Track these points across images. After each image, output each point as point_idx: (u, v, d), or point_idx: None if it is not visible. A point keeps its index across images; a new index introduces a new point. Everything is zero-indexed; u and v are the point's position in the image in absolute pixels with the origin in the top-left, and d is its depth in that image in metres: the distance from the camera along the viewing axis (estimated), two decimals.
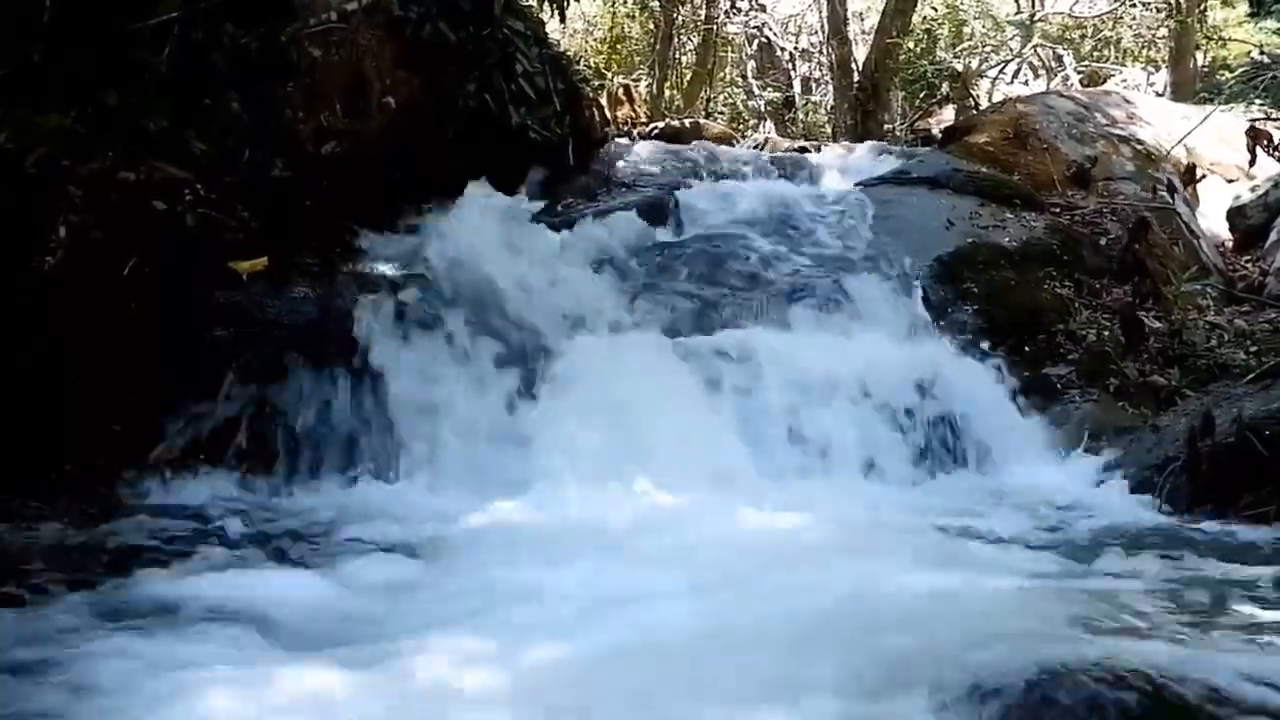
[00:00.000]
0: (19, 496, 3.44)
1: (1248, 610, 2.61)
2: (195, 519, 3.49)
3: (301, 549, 3.26)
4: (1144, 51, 13.83)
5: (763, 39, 14.86)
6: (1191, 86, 11.26)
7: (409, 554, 3.22)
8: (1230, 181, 7.45)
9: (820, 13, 13.87)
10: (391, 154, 5.30)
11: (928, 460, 4.55)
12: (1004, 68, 12.29)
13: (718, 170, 7.22)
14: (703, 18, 14.44)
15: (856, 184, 6.82)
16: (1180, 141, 6.87)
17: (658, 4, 14.46)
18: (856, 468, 4.42)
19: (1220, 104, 8.04)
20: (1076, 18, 13.23)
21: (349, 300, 4.46)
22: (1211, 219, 7.07)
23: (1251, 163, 7.20)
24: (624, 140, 7.93)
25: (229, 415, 3.96)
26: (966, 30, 12.64)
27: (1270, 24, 10.74)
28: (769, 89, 14.60)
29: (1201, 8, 11.98)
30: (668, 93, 14.40)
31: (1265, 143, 7.14)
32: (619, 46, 15.13)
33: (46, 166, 3.71)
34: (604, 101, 9.60)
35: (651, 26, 14.99)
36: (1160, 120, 7.63)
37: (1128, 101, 8.07)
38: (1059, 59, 12.85)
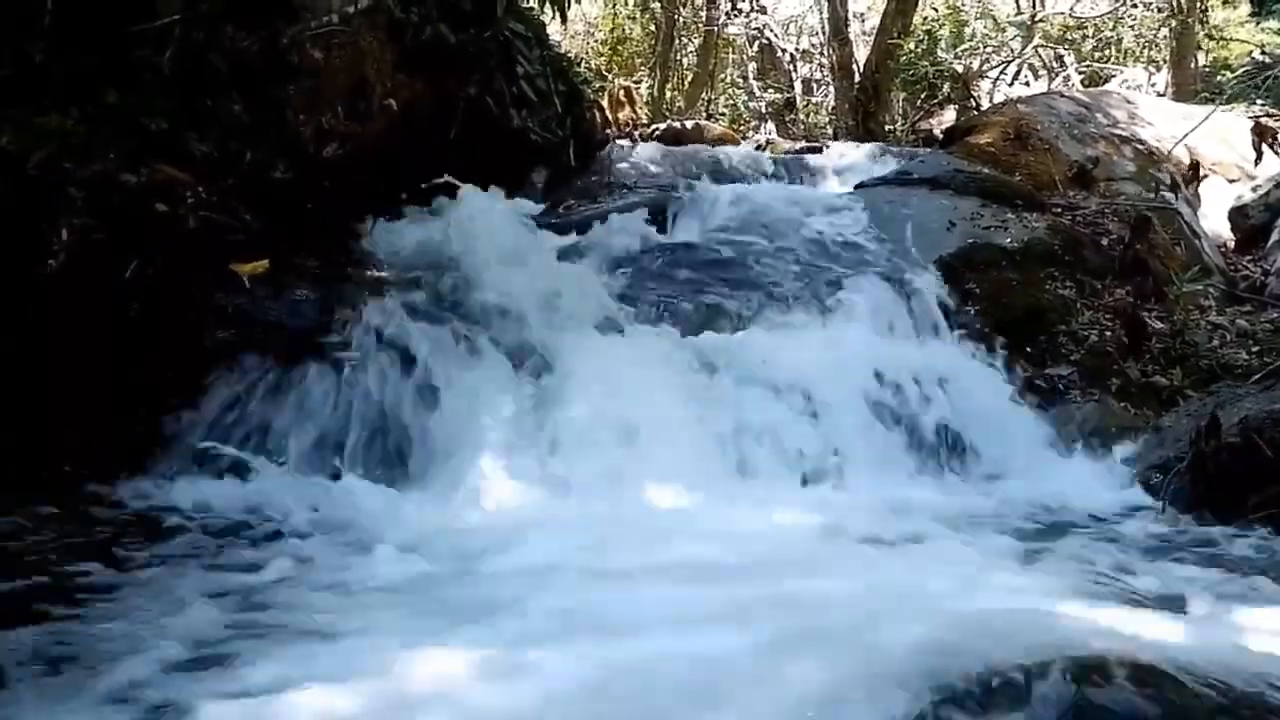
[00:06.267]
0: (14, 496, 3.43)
1: (1254, 612, 2.60)
2: (199, 520, 3.48)
3: (303, 552, 3.25)
4: (1145, 52, 13.82)
5: (764, 40, 14.86)
6: (1193, 87, 11.25)
7: (410, 554, 3.21)
8: (1232, 181, 7.45)
9: (821, 14, 13.88)
10: (392, 156, 5.31)
11: (929, 461, 4.54)
12: (1005, 68, 12.28)
13: (719, 172, 7.22)
14: (704, 19, 14.45)
15: (858, 185, 6.82)
16: (1180, 141, 6.86)
17: (659, 6, 14.47)
18: (856, 467, 4.40)
19: (1221, 104, 8.03)
20: (1077, 18, 13.22)
21: (350, 302, 4.46)
22: (1213, 219, 7.06)
23: (1257, 160, 7.19)
24: (625, 142, 7.93)
25: (228, 416, 3.96)
26: (967, 31, 12.62)
27: (1271, 24, 10.75)
28: (770, 90, 14.60)
29: (1203, 8, 11.97)
30: (669, 94, 14.40)
31: (1271, 139, 7.12)
32: (620, 48, 15.14)
33: (48, 168, 3.72)
34: (605, 103, 9.61)
35: (652, 28, 15.00)
36: (1162, 120, 7.63)
37: (1129, 102, 8.07)
38: (1060, 60, 12.85)
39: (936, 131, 10.05)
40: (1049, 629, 2.18)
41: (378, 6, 5.20)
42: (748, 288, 5.34)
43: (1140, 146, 7.24)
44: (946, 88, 11.80)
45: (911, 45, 11.96)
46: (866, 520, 3.70)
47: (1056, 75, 12.58)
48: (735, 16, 14.43)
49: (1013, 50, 12.37)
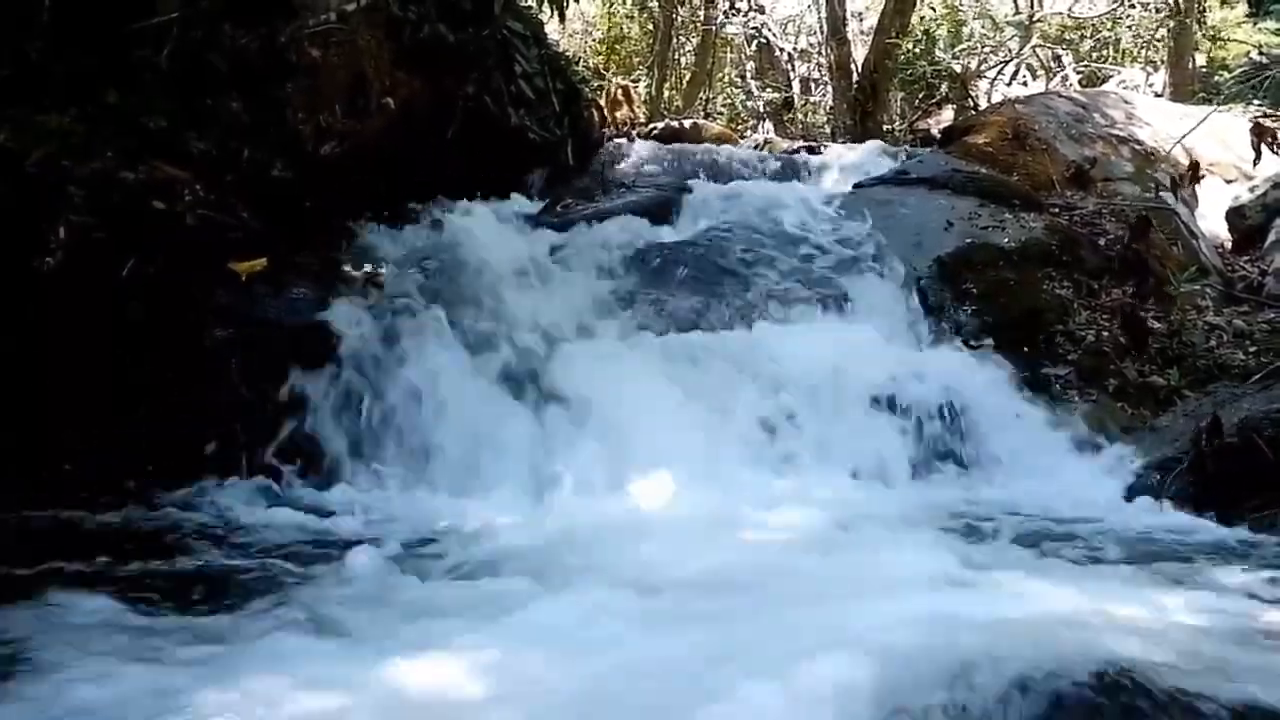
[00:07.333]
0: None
1: (1254, 613, 2.60)
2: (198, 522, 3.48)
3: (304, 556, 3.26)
4: (1143, 52, 13.84)
5: (761, 39, 14.84)
6: (1190, 87, 11.27)
7: (399, 559, 3.21)
8: (1229, 182, 7.45)
9: (819, 13, 13.87)
10: (391, 154, 5.31)
11: (926, 461, 4.54)
12: (1003, 68, 12.29)
13: (717, 171, 7.22)
14: (701, 18, 14.45)
15: (855, 184, 6.82)
16: (1179, 142, 6.87)
17: (657, 5, 14.47)
18: (856, 468, 4.41)
19: (1219, 104, 8.04)
20: (1075, 18, 13.23)
21: (348, 301, 4.45)
22: (1210, 219, 7.06)
23: (1256, 160, 7.18)
24: (623, 141, 7.92)
25: (227, 417, 3.96)
26: (965, 31, 12.64)
27: (1269, 24, 10.75)
28: (768, 89, 14.59)
29: (1200, 8, 11.99)
30: (666, 93, 14.40)
31: (1270, 140, 7.11)
32: (618, 47, 15.14)
33: (47, 166, 3.71)
34: (603, 102, 9.61)
35: (650, 27, 15.00)
36: (1159, 120, 7.63)
37: (1126, 102, 8.07)
38: (1058, 59, 12.86)
39: (934, 131, 10.04)
40: (1047, 630, 2.19)
41: (375, 4, 5.20)
42: (745, 287, 5.33)
43: (1138, 147, 7.24)
44: (944, 87, 11.81)
45: (909, 45, 11.97)
46: (865, 520, 3.71)
47: (1054, 75, 12.59)
48: (733, 15, 14.42)
49: (1010, 50, 12.39)
